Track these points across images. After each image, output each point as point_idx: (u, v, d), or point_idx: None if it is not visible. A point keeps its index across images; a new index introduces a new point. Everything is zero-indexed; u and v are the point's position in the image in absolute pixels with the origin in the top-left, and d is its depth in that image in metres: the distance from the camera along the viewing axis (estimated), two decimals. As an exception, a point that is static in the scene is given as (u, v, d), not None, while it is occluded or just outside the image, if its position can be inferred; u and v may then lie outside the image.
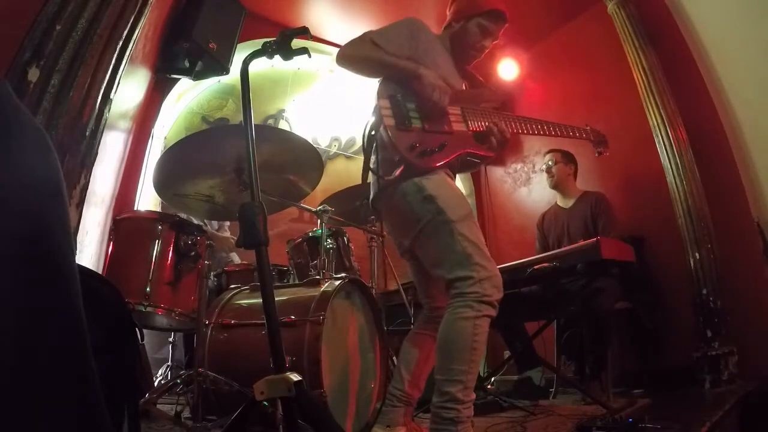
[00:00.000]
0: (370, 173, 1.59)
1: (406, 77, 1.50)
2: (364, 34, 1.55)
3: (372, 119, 1.53)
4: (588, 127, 1.94)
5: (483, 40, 1.70)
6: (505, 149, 1.65)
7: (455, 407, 1.26)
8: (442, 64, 1.63)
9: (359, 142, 4.52)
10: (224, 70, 3.17)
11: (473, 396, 1.31)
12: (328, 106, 4.37)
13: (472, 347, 1.30)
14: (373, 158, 1.55)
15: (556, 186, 3.06)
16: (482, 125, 1.60)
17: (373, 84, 1.57)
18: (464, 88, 1.74)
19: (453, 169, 1.66)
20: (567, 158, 3.05)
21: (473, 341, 1.30)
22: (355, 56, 1.54)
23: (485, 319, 1.33)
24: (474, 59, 1.76)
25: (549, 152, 3.12)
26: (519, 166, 4.34)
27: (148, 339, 1.92)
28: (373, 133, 1.53)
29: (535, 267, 2.37)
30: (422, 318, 1.69)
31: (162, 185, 1.84)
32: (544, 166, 3.13)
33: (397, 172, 1.46)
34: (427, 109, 1.49)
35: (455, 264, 1.37)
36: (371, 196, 1.65)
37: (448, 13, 1.79)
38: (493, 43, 1.74)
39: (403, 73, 1.50)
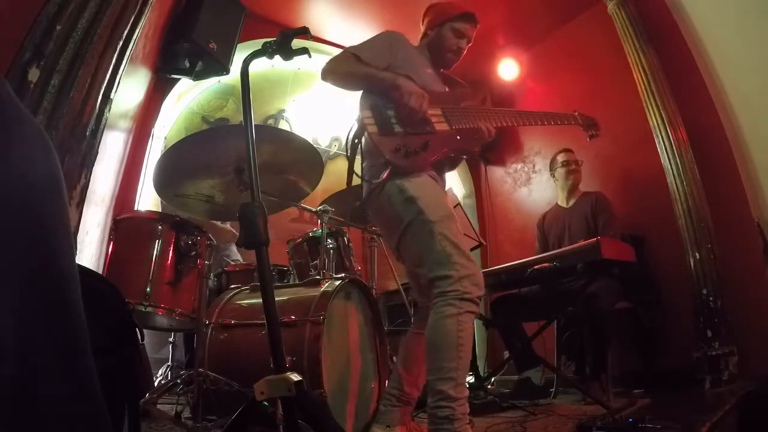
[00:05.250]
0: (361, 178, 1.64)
1: (385, 87, 1.54)
2: (345, 50, 1.63)
3: (354, 127, 1.58)
4: (576, 113, 1.97)
5: (458, 42, 1.78)
6: (493, 143, 1.74)
7: (449, 405, 1.28)
8: (422, 72, 1.69)
9: (359, 142, 4.55)
10: (224, 70, 3.17)
11: (466, 392, 1.33)
12: (328, 106, 4.37)
13: (458, 343, 1.33)
14: (360, 165, 1.61)
15: (573, 186, 3.01)
16: (465, 123, 1.64)
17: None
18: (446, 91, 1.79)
19: (441, 168, 1.71)
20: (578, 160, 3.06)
21: (458, 337, 1.33)
22: (337, 71, 1.60)
23: (468, 315, 1.37)
24: (453, 62, 1.83)
25: (569, 151, 3.06)
26: (519, 166, 4.34)
27: (148, 339, 1.91)
28: (356, 141, 1.58)
29: (536, 267, 2.37)
30: (419, 318, 1.71)
31: (162, 185, 1.84)
32: (562, 165, 3.03)
33: (384, 174, 1.50)
34: (407, 115, 1.53)
35: (435, 263, 1.41)
36: (362, 202, 1.70)
37: (422, 27, 1.87)
38: (468, 45, 1.81)
39: (382, 83, 1.54)
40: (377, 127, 1.51)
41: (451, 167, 1.82)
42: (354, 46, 1.63)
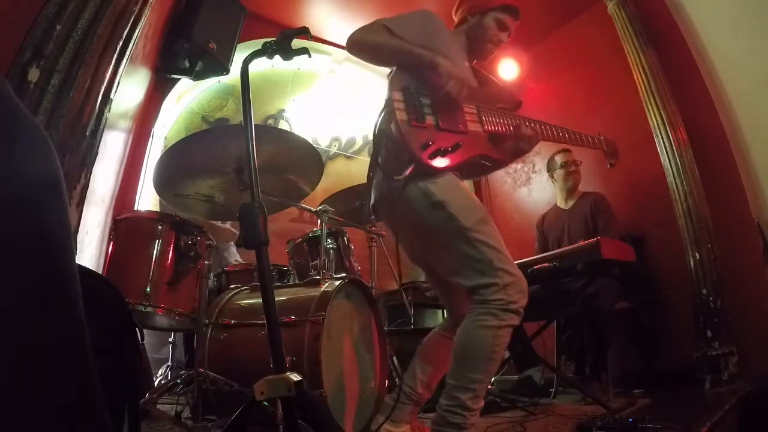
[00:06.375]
0: (378, 170, 1.48)
1: (421, 65, 1.40)
2: (377, 21, 1.48)
3: (383, 113, 1.42)
4: (602, 137, 1.90)
5: (500, 34, 1.67)
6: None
7: (462, 413, 1.23)
8: (457, 59, 1.54)
9: (359, 142, 4.54)
10: (224, 70, 3.17)
11: (481, 404, 1.27)
12: (328, 106, 4.37)
13: (490, 357, 1.25)
14: (381, 155, 1.44)
15: (572, 188, 3.00)
16: (498, 127, 1.54)
17: (374, 83, 1.56)
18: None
19: (462, 172, 1.57)
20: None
21: (492, 351, 1.25)
22: (368, 42, 1.46)
23: (508, 329, 1.27)
24: (490, 54, 1.71)
25: (567, 151, 3.04)
26: (519, 166, 4.33)
27: (148, 339, 1.91)
28: (384, 127, 1.42)
29: (536, 267, 2.37)
30: (448, 322, 1.61)
31: (162, 185, 1.84)
32: (561, 166, 3.03)
33: (407, 171, 1.35)
34: (441, 101, 1.40)
35: (476, 272, 1.29)
36: (372, 200, 1.53)
37: (455, 15, 1.76)
38: (507, 38, 1.70)
39: (418, 60, 1.40)
40: (407, 114, 1.37)
41: (470, 175, 1.65)
42: (387, 19, 1.47)
